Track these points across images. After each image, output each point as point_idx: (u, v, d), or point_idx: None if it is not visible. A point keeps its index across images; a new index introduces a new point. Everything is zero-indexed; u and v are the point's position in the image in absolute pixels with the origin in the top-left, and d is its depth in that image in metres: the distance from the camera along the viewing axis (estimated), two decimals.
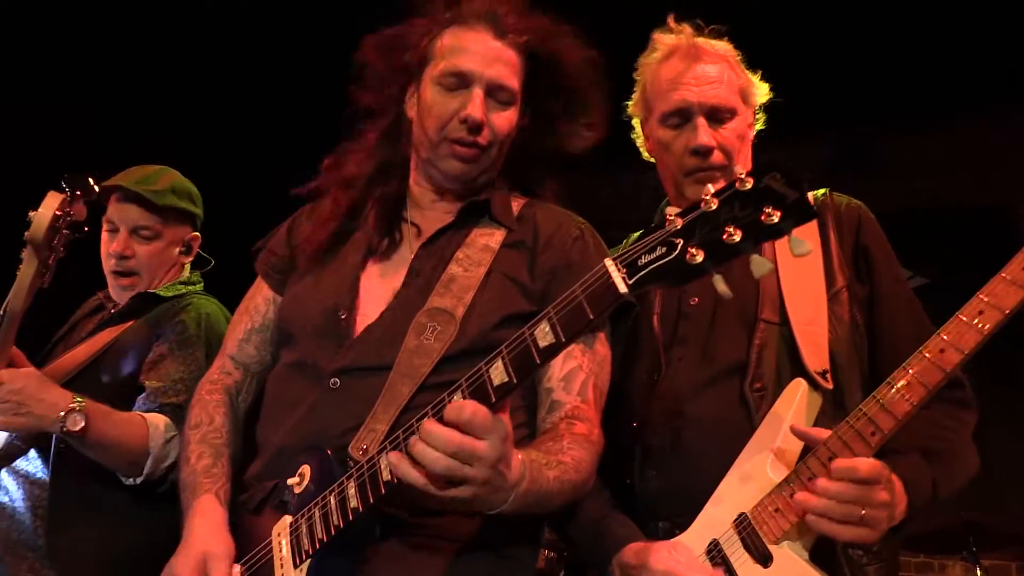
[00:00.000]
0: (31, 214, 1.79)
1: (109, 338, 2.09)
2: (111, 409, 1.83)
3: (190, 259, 2.31)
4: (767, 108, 1.84)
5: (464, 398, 1.18)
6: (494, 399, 1.16)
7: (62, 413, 1.74)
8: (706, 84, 1.71)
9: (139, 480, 1.84)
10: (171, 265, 2.25)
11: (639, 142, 1.86)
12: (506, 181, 1.72)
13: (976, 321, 1.31)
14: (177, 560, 1.39)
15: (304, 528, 1.32)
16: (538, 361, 1.16)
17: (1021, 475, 4.32)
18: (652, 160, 1.86)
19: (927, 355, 1.35)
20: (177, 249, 2.26)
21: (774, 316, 1.63)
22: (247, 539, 1.43)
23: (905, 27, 4.12)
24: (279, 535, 1.36)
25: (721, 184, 1.09)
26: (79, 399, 1.77)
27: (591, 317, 1.12)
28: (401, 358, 1.44)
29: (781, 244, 1.65)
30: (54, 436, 1.86)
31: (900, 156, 5.00)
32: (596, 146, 1.71)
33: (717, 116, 1.71)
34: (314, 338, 1.56)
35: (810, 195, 1.03)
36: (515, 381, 1.16)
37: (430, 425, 1.16)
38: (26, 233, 1.79)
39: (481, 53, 1.57)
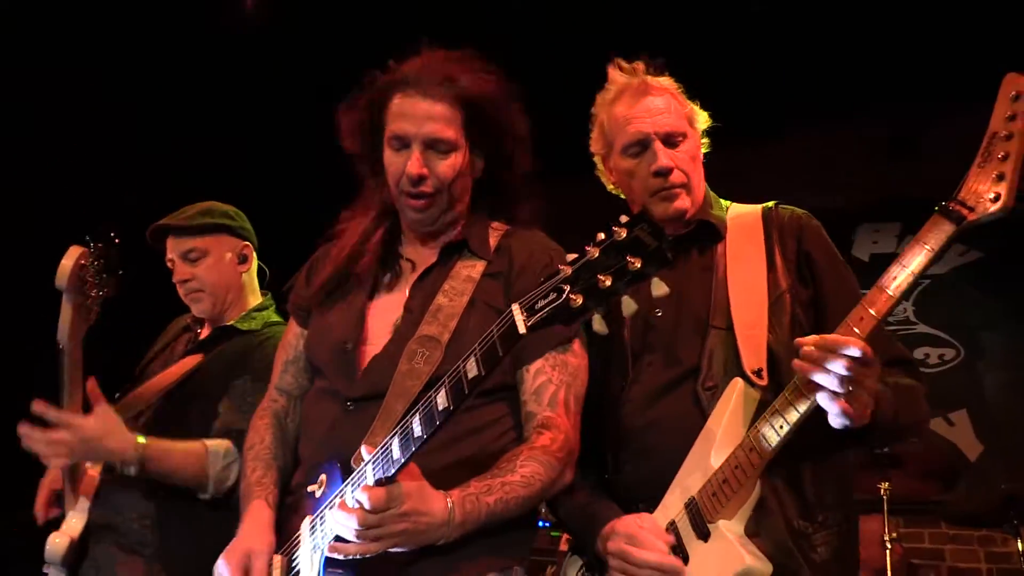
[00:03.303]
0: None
1: (192, 365, 2.45)
2: (171, 445, 2.19)
3: (247, 267, 2.60)
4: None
5: (422, 413, 1.48)
6: (438, 421, 1.45)
7: (119, 461, 2.12)
8: (657, 115, 1.92)
9: (207, 496, 2.21)
10: (231, 276, 2.55)
11: (603, 178, 2.08)
12: (484, 212, 1.98)
13: (892, 278, 1.51)
14: (226, 555, 1.73)
15: (319, 525, 1.66)
16: (466, 391, 1.43)
17: None
18: (617, 192, 2.07)
19: (850, 317, 1.56)
20: (231, 260, 2.56)
21: (722, 322, 1.83)
22: (289, 534, 1.77)
23: (955, 9, 4.15)
24: (302, 531, 1.71)
25: (601, 236, 1.31)
26: (141, 441, 2.13)
27: (501, 354, 1.38)
28: (395, 380, 1.72)
29: (732, 258, 1.88)
30: None
31: (952, 137, 4.97)
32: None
33: (671, 141, 1.92)
34: (331, 368, 1.88)
35: (665, 247, 1.26)
36: (451, 407, 1.44)
37: (335, 513, 1.54)
38: (55, 281, 2.13)
39: (414, 115, 1.81)
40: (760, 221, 1.92)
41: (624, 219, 1.30)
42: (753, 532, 1.66)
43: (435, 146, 1.83)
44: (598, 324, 1.32)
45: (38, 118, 4.13)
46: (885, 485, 3.67)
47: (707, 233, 1.95)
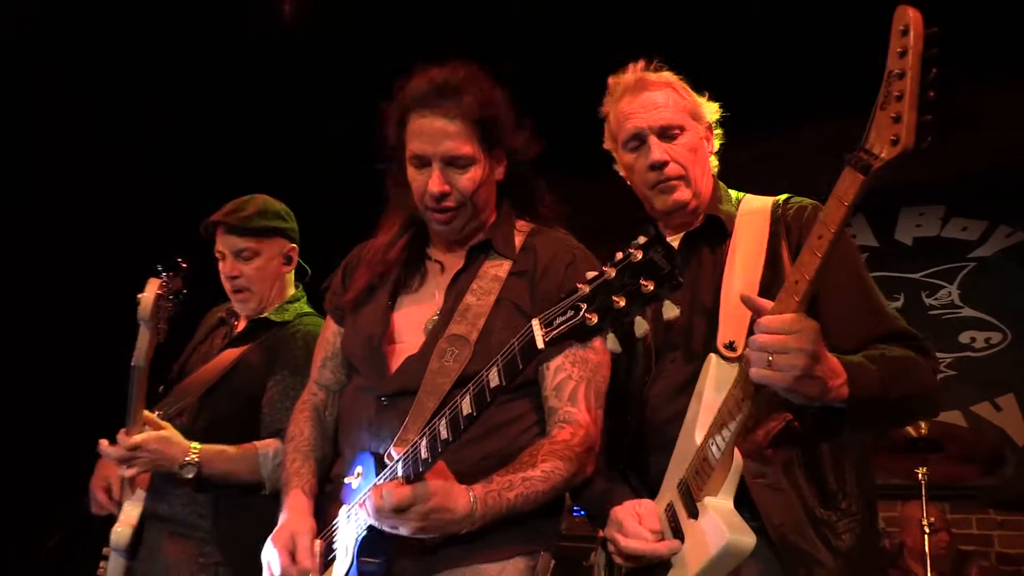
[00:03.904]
0: (139, 296, 2.34)
1: (232, 358, 2.58)
2: (224, 450, 2.36)
3: (291, 268, 2.73)
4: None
5: (448, 418, 1.57)
6: (463, 426, 1.53)
7: (178, 467, 2.31)
8: (652, 109, 1.94)
9: (266, 492, 2.36)
10: (276, 276, 2.67)
11: (622, 173, 2.11)
12: (509, 212, 2.05)
13: (818, 238, 1.47)
14: (272, 538, 1.85)
15: (355, 514, 1.76)
16: (488, 399, 1.50)
17: None
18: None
19: (786, 283, 1.53)
20: (278, 261, 2.68)
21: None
22: (328, 520, 1.88)
23: None
24: (340, 518, 1.82)
25: (619, 256, 1.34)
26: (195, 448, 2.32)
27: (521, 367, 1.45)
28: (427, 378, 1.80)
29: (735, 251, 1.90)
30: None
31: (995, 115, 4.88)
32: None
33: (667, 134, 1.94)
34: (365, 365, 1.98)
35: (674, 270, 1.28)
36: (475, 414, 1.52)
37: (368, 503, 1.65)
38: (137, 312, 2.35)
39: (431, 135, 1.87)
40: (768, 215, 1.93)
41: (641, 240, 1.34)
42: (778, 523, 1.68)
43: (454, 162, 1.89)
44: (612, 343, 1.38)
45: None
46: (923, 470, 3.64)
47: (716, 229, 1.98)
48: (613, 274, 1.33)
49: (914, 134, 1.30)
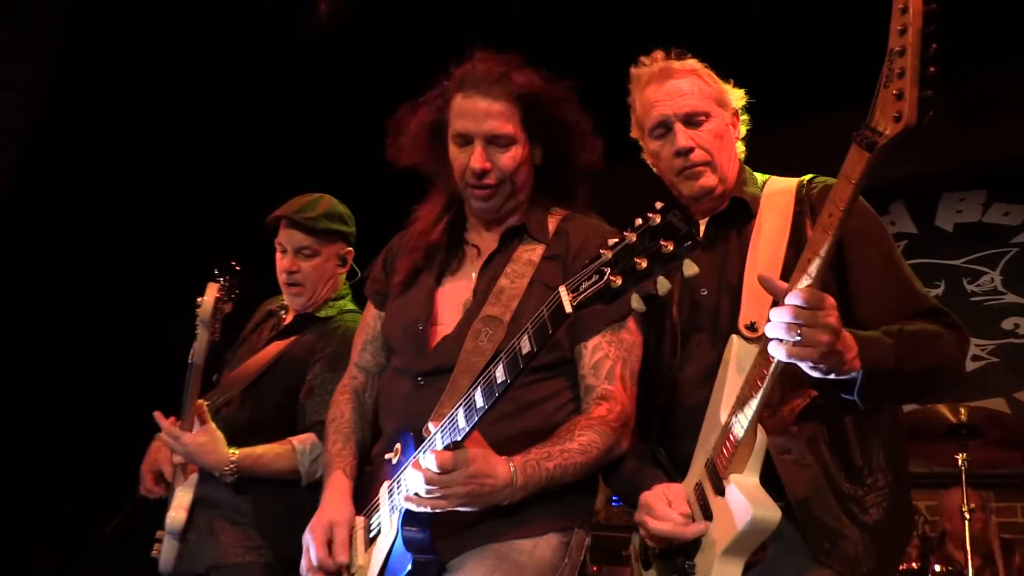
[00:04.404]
0: (199, 300, 2.49)
1: (277, 351, 2.68)
2: (263, 451, 2.46)
3: (345, 270, 2.82)
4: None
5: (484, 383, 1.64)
6: (496, 393, 1.61)
7: (218, 472, 2.42)
8: (678, 97, 1.98)
9: (302, 486, 2.46)
10: (330, 276, 2.76)
11: (648, 161, 2.15)
12: (544, 198, 2.12)
13: (828, 216, 1.50)
14: (311, 527, 1.94)
15: (396, 488, 1.84)
16: (521, 366, 1.57)
17: None
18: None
19: (800, 260, 1.55)
20: (334, 262, 2.77)
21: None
22: (370, 498, 1.96)
23: None
24: (381, 495, 1.90)
25: (639, 221, 1.41)
26: (234, 455, 2.42)
27: (550, 332, 1.52)
28: (462, 357, 1.87)
29: (759, 232, 1.93)
30: None
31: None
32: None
33: (692, 121, 1.97)
34: (404, 347, 2.06)
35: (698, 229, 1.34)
36: (508, 380, 1.59)
37: (409, 473, 1.72)
38: (197, 314, 2.51)
39: (475, 115, 1.96)
40: (793, 196, 1.94)
41: (659, 205, 1.41)
42: (803, 498, 1.70)
43: (496, 141, 1.97)
44: (636, 303, 1.42)
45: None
46: (963, 456, 3.62)
47: (742, 211, 2.00)
48: (635, 238, 1.41)
49: (916, 110, 1.32)
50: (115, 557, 3.07)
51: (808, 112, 5.00)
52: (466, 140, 1.99)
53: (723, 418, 1.72)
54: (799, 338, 1.48)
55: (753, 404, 1.62)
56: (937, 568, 3.78)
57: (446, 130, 2.04)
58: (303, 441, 2.48)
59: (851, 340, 1.56)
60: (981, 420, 3.66)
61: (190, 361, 2.48)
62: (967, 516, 3.51)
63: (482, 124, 1.96)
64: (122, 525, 3.16)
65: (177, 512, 2.56)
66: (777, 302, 1.53)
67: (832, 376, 1.57)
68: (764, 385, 1.60)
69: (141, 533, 2.76)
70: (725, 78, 2.07)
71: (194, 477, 2.60)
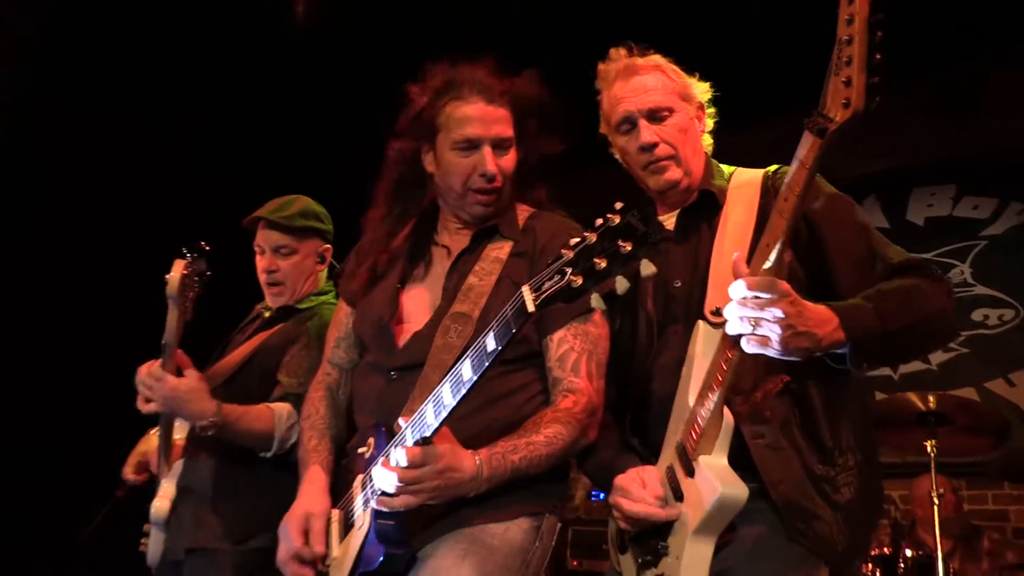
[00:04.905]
0: (166, 277, 2.46)
1: (258, 341, 2.73)
2: (245, 409, 2.44)
3: (324, 267, 2.86)
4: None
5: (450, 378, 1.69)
6: (464, 390, 1.65)
7: (199, 423, 2.37)
8: (642, 93, 2.01)
9: (270, 455, 2.46)
10: (309, 273, 2.80)
11: (617, 156, 2.17)
12: (514, 196, 2.15)
13: (783, 201, 1.55)
14: (287, 517, 1.97)
15: (369, 482, 1.87)
16: (486, 363, 1.61)
17: None
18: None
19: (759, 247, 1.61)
20: (313, 259, 2.82)
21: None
22: (346, 490, 1.99)
23: None
24: (355, 488, 1.94)
25: (599, 221, 1.45)
26: (218, 410, 2.37)
27: (514, 330, 1.56)
28: (432, 353, 1.91)
29: (726, 222, 1.97)
30: None
31: (1005, 94, 4.89)
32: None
33: (656, 116, 2.00)
34: (374, 343, 2.09)
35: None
36: (475, 377, 1.63)
37: (379, 470, 1.73)
38: (166, 290, 2.46)
39: (482, 119, 2.00)
40: (759, 187, 1.97)
41: (618, 205, 1.45)
42: (778, 480, 1.74)
43: (500, 144, 2.02)
44: (596, 302, 1.46)
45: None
46: (932, 443, 3.69)
47: (711, 203, 2.03)
48: (594, 238, 1.44)
49: (864, 96, 1.37)
50: (115, 557, 3.09)
51: (773, 111, 5.07)
52: (471, 145, 2.01)
53: (691, 402, 1.77)
54: (751, 328, 1.53)
55: (718, 388, 1.68)
56: (908, 552, 3.85)
57: (434, 138, 2.06)
58: (280, 408, 2.50)
59: (827, 313, 1.60)
60: (950, 407, 3.72)
61: (163, 342, 2.46)
62: (936, 501, 3.58)
63: (490, 128, 2.01)
64: (102, 524, 3.19)
65: (161, 502, 2.60)
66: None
67: (818, 354, 1.60)
68: (728, 369, 1.65)
69: (132, 529, 2.79)
70: (690, 72, 2.11)
71: (178, 467, 2.63)
